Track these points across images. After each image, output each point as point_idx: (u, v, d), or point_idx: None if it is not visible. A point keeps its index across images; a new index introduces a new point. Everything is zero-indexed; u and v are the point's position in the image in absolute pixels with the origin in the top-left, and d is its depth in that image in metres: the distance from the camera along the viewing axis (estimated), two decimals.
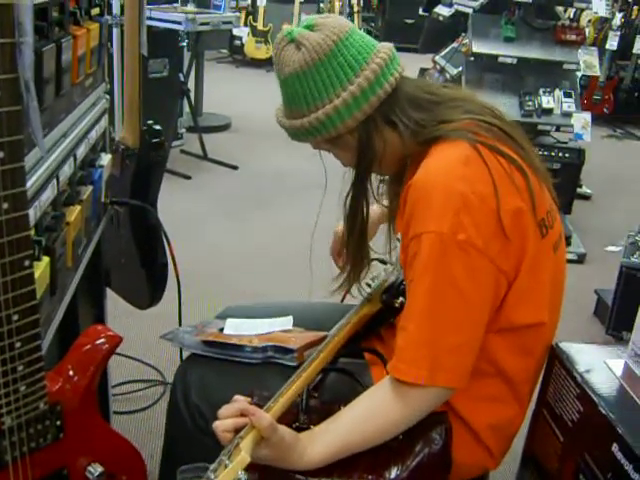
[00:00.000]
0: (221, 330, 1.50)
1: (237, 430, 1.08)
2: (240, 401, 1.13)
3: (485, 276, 1.12)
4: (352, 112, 1.19)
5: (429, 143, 1.20)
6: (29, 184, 1.08)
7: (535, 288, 1.19)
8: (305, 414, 1.21)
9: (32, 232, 1.07)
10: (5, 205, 0.89)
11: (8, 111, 0.86)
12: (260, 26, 8.81)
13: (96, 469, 1.15)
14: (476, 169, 1.12)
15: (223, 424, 1.09)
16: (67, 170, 1.33)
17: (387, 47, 1.23)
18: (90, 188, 1.48)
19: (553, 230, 1.23)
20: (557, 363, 1.29)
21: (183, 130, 5.35)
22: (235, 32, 8.68)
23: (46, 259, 1.15)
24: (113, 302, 2.08)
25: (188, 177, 4.68)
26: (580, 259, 3.83)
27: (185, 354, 1.54)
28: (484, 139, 1.17)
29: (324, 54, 1.17)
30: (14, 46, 0.85)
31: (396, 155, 1.26)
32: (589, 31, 6.48)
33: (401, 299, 1.35)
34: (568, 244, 3.84)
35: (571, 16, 4.49)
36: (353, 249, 1.36)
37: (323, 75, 1.18)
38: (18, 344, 0.96)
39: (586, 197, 4.83)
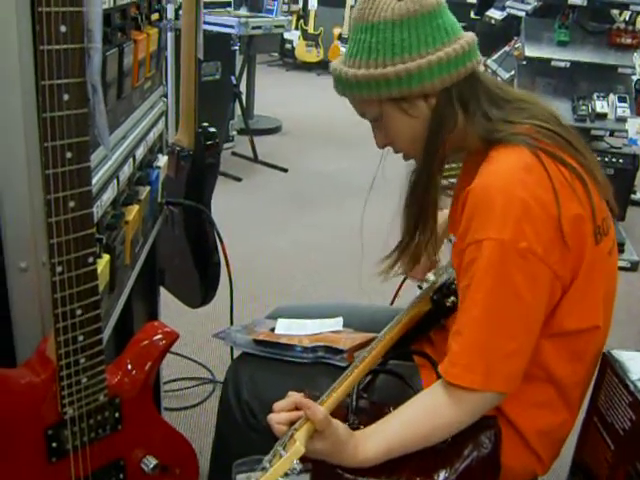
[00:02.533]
0: (272, 330, 1.52)
1: (291, 423, 1.10)
2: (295, 395, 1.15)
3: (543, 283, 1.12)
4: (442, 73, 1.16)
5: (489, 144, 1.19)
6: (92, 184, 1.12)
7: (590, 293, 1.18)
8: (355, 414, 1.23)
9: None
10: (72, 203, 0.92)
11: (76, 113, 0.90)
12: (311, 30, 8.86)
13: (151, 461, 1.18)
14: (537, 176, 1.12)
15: (278, 417, 1.12)
16: (127, 171, 1.37)
17: (471, 33, 1.23)
18: (147, 188, 1.51)
19: (607, 237, 1.22)
20: (609, 370, 1.28)
21: (234, 132, 5.41)
22: (286, 36, 8.75)
23: (106, 257, 1.19)
24: (165, 300, 2.13)
25: (239, 179, 4.73)
26: (633, 267, 3.76)
27: (236, 353, 1.57)
28: (545, 145, 1.16)
29: (427, 11, 1.16)
30: (83, 51, 0.88)
31: (455, 143, 1.25)
32: None
33: (452, 298, 1.35)
34: (621, 251, 3.77)
35: (626, 19, 4.39)
36: (408, 219, 1.33)
37: (426, 29, 1.16)
38: (81, 337, 1.00)
39: None
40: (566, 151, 1.18)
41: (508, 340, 1.12)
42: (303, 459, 1.03)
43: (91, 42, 0.91)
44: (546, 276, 1.11)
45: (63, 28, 0.84)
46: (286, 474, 1.00)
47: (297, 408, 1.12)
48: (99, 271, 1.09)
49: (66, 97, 0.87)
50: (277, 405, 1.14)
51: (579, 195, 1.14)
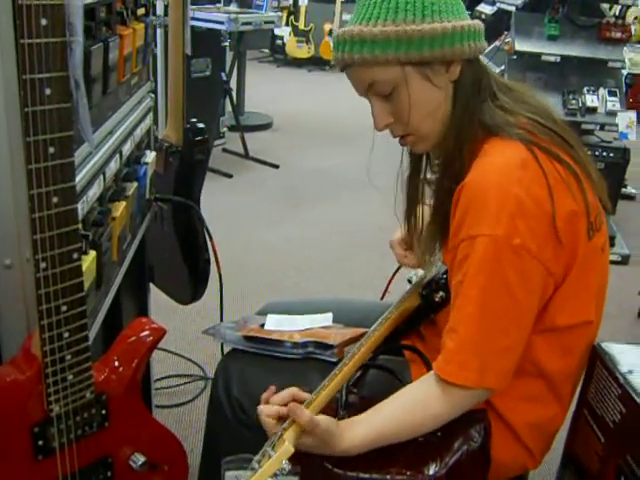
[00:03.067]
0: (262, 326, 1.52)
1: (279, 418, 1.11)
2: (288, 391, 1.16)
3: (536, 279, 1.12)
4: (469, 40, 1.15)
5: (487, 134, 1.17)
6: (77, 180, 1.11)
7: (583, 289, 1.18)
8: (344, 409, 1.23)
9: (80, 227, 1.10)
10: (55, 199, 0.91)
11: (58, 108, 0.89)
12: (301, 26, 8.85)
13: (139, 458, 1.18)
14: (532, 172, 1.11)
15: (268, 409, 1.12)
16: (113, 166, 1.36)
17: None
18: (135, 184, 1.50)
19: (600, 233, 1.21)
20: (599, 363, 1.28)
21: (225, 129, 5.40)
22: (276, 32, 8.73)
23: (93, 253, 1.18)
24: (156, 297, 2.12)
25: (230, 175, 4.73)
26: (624, 260, 3.77)
27: (226, 349, 1.56)
28: (540, 141, 1.15)
29: None
30: (65, 45, 0.87)
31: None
32: (635, 28, 6.34)
33: (441, 293, 1.35)
34: (612, 245, 3.78)
35: (616, 13, 4.40)
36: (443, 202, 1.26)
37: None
38: (66, 334, 0.99)
39: (631, 197, 4.74)
40: (561, 147, 1.17)
41: (501, 337, 1.12)
42: (292, 459, 1.03)
43: (72, 35, 0.90)
44: (539, 273, 1.11)
45: (44, 21, 0.83)
46: (275, 474, 1.00)
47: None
48: (85, 268, 1.08)
49: (48, 91, 0.86)
50: (273, 398, 1.15)
51: (573, 191, 1.14)
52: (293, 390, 1.16)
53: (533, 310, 1.14)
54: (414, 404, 1.17)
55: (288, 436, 1.06)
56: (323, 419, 1.11)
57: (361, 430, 1.14)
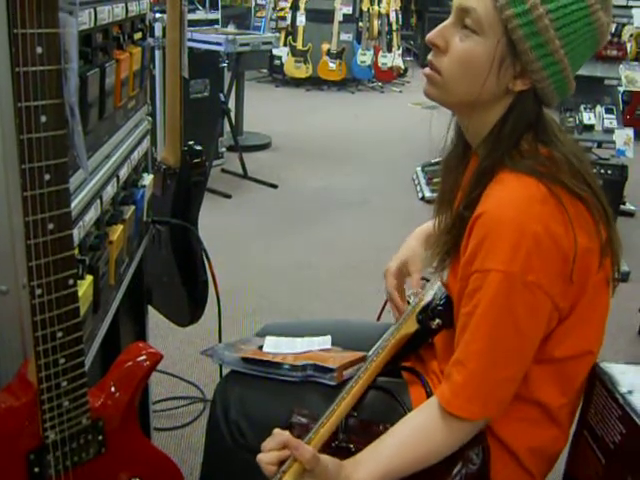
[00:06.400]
0: (260, 348, 1.51)
1: (281, 462, 1.09)
2: (280, 434, 1.12)
3: (543, 313, 1.11)
4: (555, 83, 1.14)
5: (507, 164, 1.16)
6: (73, 205, 1.11)
7: (586, 322, 1.18)
8: (344, 433, 1.22)
9: (76, 251, 1.10)
10: (50, 225, 0.91)
11: (54, 135, 0.89)
12: (299, 46, 8.90)
13: None
14: (551, 208, 1.09)
15: (267, 457, 1.10)
16: (110, 190, 1.36)
17: None
18: (132, 208, 1.51)
19: (606, 263, 1.20)
20: (598, 384, 1.27)
21: (224, 149, 5.42)
22: (275, 52, 8.78)
23: (89, 278, 1.18)
24: (154, 319, 2.11)
25: (228, 196, 4.73)
26: (624, 278, 3.76)
27: (225, 371, 1.56)
28: (560, 175, 1.13)
29: (596, 40, 1.15)
30: (60, 72, 0.88)
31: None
32: (631, 46, 6.39)
33: (437, 320, 1.33)
34: None
35: (612, 31, 4.44)
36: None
37: (585, 49, 1.15)
38: (62, 360, 0.99)
39: (630, 214, 4.75)
40: (579, 184, 1.15)
41: (505, 368, 1.13)
42: None
43: (67, 63, 0.90)
44: (546, 307, 1.11)
45: (39, 49, 0.84)
46: None
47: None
48: (82, 292, 1.08)
49: (43, 119, 0.87)
50: (265, 445, 1.12)
51: (589, 228, 1.13)
52: (284, 437, 1.11)
53: (536, 343, 1.14)
54: (414, 441, 1.16)
55: (288, 479, 1.05)
56: (325, 457, 1.09)
57: (365, 472, 1.12)
